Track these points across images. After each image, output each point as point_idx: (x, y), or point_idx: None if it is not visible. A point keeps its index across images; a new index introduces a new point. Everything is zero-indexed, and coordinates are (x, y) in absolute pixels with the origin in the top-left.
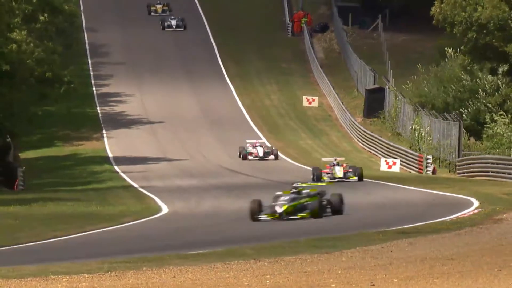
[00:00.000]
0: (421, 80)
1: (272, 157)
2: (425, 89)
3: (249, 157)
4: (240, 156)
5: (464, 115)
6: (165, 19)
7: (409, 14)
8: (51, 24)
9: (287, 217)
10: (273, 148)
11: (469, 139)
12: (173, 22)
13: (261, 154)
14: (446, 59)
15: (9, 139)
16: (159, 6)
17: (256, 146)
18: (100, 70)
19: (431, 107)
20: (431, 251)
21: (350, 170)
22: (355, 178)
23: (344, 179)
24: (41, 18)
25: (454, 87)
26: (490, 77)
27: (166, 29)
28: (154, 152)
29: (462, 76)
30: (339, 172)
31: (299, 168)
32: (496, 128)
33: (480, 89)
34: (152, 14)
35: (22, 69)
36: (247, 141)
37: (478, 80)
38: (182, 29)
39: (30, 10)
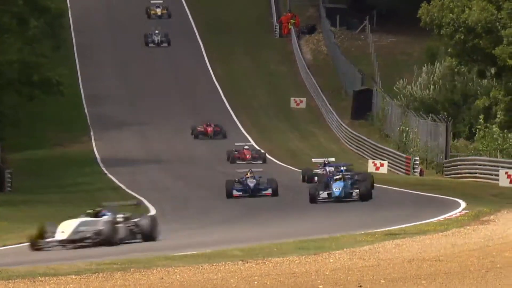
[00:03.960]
0: (412, 81)
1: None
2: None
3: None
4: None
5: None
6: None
7: (397, 16)
8: (39, 26)
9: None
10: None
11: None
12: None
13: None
14: (436, 61)
15: None
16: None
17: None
18: (88, 72)
19: (420, 108)
20: (418, 253)
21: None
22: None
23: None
24: (32, 22)
25: (445, 88)
26: (483, 81)
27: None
28: (142, 154)
29: (456, 78)
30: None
31: (288, 169)
32: (493, 126)
33: (473, 92)
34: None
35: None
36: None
37: (470, 84)
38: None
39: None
